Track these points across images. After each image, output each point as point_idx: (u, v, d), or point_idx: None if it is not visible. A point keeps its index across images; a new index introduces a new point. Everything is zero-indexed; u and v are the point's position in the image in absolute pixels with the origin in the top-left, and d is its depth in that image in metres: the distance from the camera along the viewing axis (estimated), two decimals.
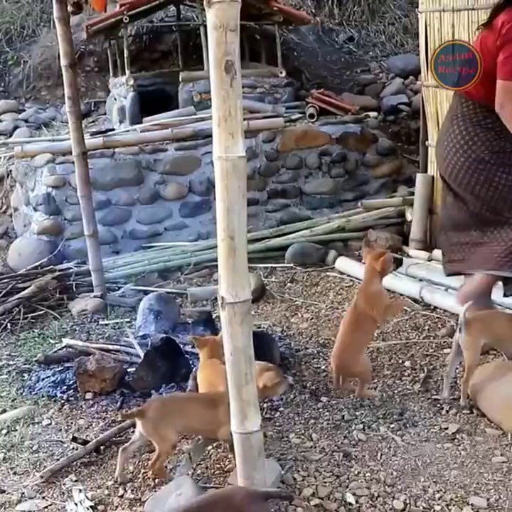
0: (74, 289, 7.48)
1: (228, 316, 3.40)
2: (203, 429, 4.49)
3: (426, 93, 8.36)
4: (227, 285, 3.34)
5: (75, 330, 6.78)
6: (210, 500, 3.70)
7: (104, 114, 12.02)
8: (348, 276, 7.71)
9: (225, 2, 3.20)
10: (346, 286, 7.52)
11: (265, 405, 5.15)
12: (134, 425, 4.69)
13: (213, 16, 3.21)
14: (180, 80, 10.11)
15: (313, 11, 13.21)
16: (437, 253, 7.82)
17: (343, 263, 7.87)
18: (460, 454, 4.53)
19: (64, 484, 4.43)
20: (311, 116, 9.57)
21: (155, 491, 4.21)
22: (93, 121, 11.88)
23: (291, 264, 8.10)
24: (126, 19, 9.94)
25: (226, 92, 3.20)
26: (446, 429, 4.80)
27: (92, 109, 12.42)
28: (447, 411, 5.03)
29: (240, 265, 3.32)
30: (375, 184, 9.64)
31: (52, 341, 6.57)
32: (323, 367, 5.80)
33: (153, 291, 7.22)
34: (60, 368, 5.87)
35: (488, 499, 4.05)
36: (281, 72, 10.48)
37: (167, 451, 4.35)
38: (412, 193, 8.56)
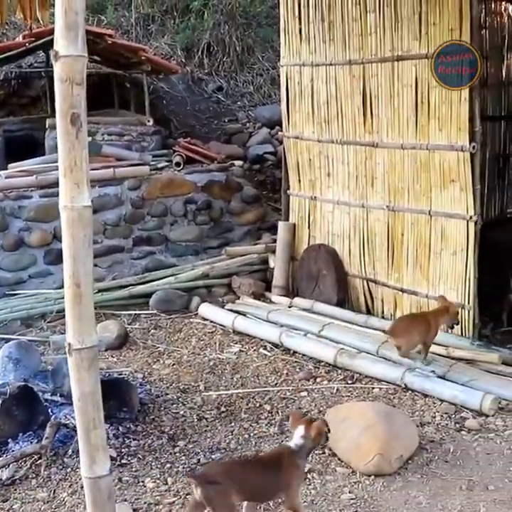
0: None
1: (75, 361, 3.43)
2: None
3: (287, 144, 8.65)
4: (73, 332, 3.37)
5: None
6: None
7: None
8: (211, 322, 7.83)
9: (71, 57, 3.27)
10: (209, 332, 7.64)
11: (123, 451, 5.19)
12: None
13: (60, 69, 3.28)
14: (47, 126, 10.08)
15: (184, 60, 13.40)
16: (298, 300, 8.08)
17: (206, 309, 7.99)
18: (310, 492, 4.68)
19: None
20: (178, 164, 9.69)
21: None
22: None
23: (155, 311, 8.16)
24: None
25: (71, 143, 3.26)
26: None
27: None
28: None
29: (86, 312, 3.37)
30: (239, 231, 9.83)
31: None
32: (182, 412, 5.87)
33: (15, 339, 7.12)
34: None
35: None
36: (148, 121, 10.60)
37: None
38: (275, 240, 8.78)
